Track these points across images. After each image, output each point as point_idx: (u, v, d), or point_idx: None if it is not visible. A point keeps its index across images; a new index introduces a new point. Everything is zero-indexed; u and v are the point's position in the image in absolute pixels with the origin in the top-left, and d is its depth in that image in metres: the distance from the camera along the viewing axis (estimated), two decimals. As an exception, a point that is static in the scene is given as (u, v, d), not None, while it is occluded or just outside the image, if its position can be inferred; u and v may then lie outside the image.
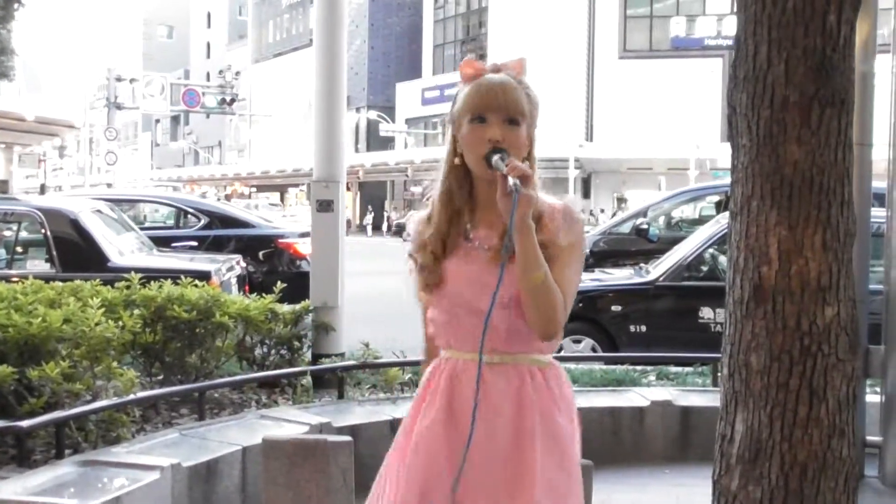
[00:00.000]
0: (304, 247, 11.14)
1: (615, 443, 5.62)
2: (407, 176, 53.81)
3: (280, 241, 11.38)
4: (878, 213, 5.19)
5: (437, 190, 2.37)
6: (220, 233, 11.33)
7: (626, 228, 12.30)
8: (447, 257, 2.31)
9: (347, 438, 3.46)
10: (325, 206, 6.20)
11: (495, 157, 2.18)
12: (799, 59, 3.30)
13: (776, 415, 3.37)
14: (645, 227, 11.68)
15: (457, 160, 2.32)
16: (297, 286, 6.96)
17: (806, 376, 3.35)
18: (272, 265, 11.19)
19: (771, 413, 3.38)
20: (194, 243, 10.97)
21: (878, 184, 5.15)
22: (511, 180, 2.10)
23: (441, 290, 2.31)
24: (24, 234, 9.07)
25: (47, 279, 6.14)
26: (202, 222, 11.70)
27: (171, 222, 13.21)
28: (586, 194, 47.76)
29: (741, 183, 3.48)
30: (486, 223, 2.30)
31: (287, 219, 34.76)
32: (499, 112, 2.24)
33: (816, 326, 3.34)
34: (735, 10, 3.53)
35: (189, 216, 12.07)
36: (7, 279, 6.08)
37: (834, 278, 3.36)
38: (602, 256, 11.52)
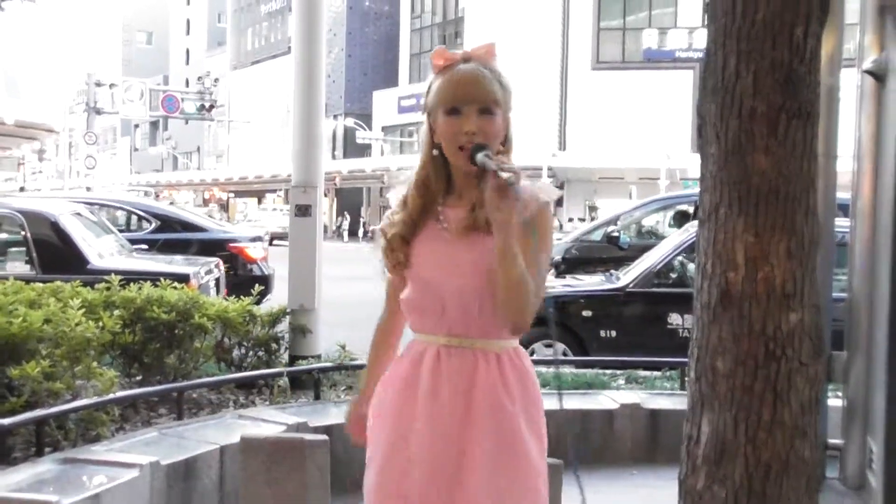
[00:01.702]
0: (254, 250, 11.23)
1: (584, 444, 5.60)
2: (383, 183, 53.67)
3: (231, 245, 11.43)
4: (842, 224, 5.25)
5: (414, 177, 2.36)
6: (171, 236, 11.33)
7: (597, 236, 12.36)
8: (417, 239, 2.31)
9: (324, 437, 3.47)
10: (303, 210, 6.21)
11: (479, 155, 2.16)
12: (767, 71, 3.34)
13: (741, 417, 3.40)
14: (616, 234, 11.76)
15: (435, 151, 2.31)
16: (248, 289, 6.94)
17: (770, 380, 3.38)
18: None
19: (736, 415, 3.41)
20: (144, 246, 10.85)
21: (843, 195, 5.21)
22: (504, 175, 2.06)
23: (411, 272, 2.31)
24: (3, 236, 9.02)
25: (27, 280, 6.12)
26: (153, 225, 11.68)
27: (121, 224, 13.01)
28: (559, 202, 47.87)
29: (710, 191, 3.51)
30: (456, 206, 2.29)
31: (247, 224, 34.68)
32: (472, 103, 2.23)
33: (781, 331, 3.38)
34: (706, 22, 3.56)
35: (141, 220, 12.02)
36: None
37: (798, 285, 3.40)
38: (574, 263, 11.57)
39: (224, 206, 65.37)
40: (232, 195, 69.53)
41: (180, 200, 61.65)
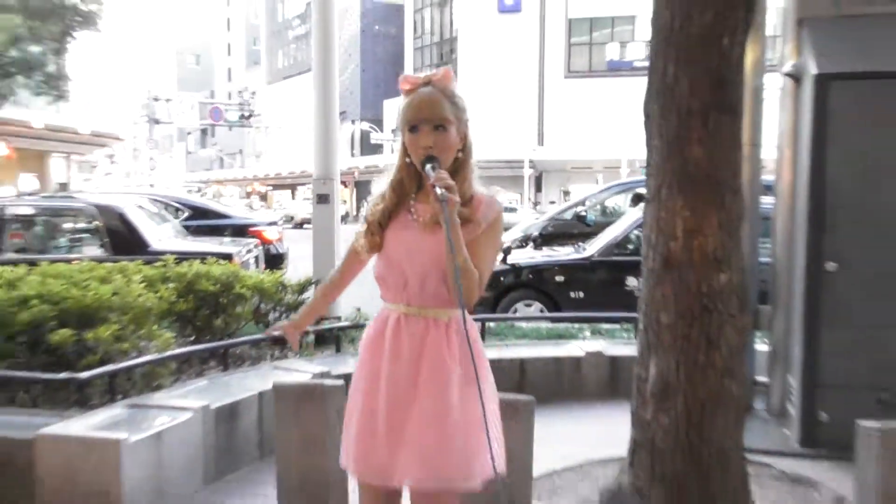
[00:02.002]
0: (269, 233, 11.31)
1: (557, 385, 5.64)
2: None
3: (251, 228, 11.39)
4: (767, 201, 5.25)
5: (391, 178, 2.39)
6: (202, 222, 11.25)
7: (568, 215, 12.32)
8: (391, 226, 2.34)
9: (340, 383, 3.48)
10: (323, 199, 6.22)
11: (427, 167, 2.21)
12: (700, 75, 3.34)
13: (681, 360, 3.42)
14: (583, 214, 11.74)
15: (407, 159, 2.33)
16: (266, 264, 6.90)
17: (704, 330, 3.40)
18: None
19: (677, 359, 3.43)
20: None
21: (768, 177, 5.22)
22: (439, 190, 2.12)
23: (383, 252, 2.35)
24: (81, 225, 9.01)
25: (100, 261, 6.13)
26: (187, 214, 11.63)
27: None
28: (538, 188, 47.82)
29: (654, 176, 3.52)
30: (425, 202, 2.29)
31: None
32: (428, 122, 2.25)
33: (713, 290, 3.40)
34: (652, 35, 3.55)
35: (177, 210, 11.94)
36: (68, 261, 6.04)
37: (727, 251, 3.42)
38: (549, 238, 11.53)
39: (263, 198, 65.19)
40: (270, 188, 69.29)
41: (227, 194, 61.57)
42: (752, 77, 4.93)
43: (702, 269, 3.40)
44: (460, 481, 2.24)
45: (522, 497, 3.27)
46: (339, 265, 2.59)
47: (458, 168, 2.32)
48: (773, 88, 5.06)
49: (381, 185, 2.43)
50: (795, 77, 4.69)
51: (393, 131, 55.47)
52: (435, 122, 2.25)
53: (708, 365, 3.42)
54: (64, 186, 39.58)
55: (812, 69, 4.30)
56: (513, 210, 37.93)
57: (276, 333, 2.66)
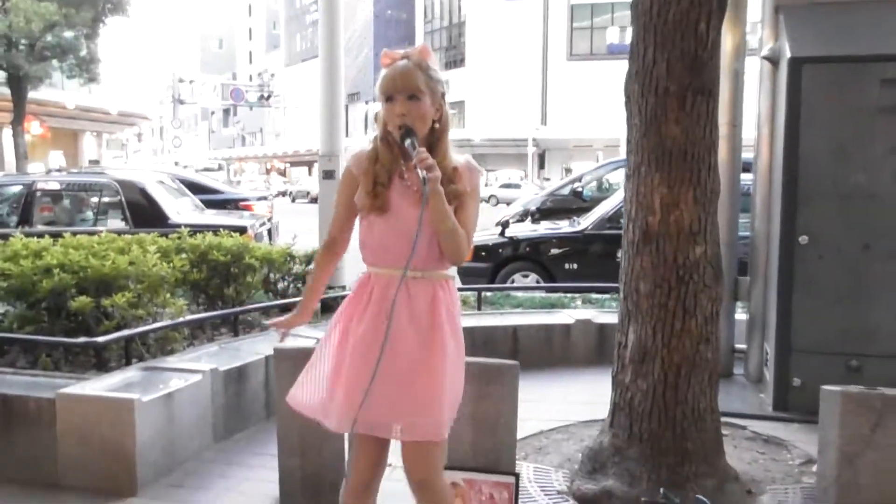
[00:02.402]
0: (259, 207, 11.36)
1: (548, 351, 5.66)
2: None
3: (242, 202, 11.47)
4: (746, 178, 5.23)
5: (378, 139, 2.36)
6: (198, 197, 11.21)
7: (566, 191, 12.30)
8: (390, 191, 2.31)
9: (338, 347, 3.49)
10: (328, 174, 6.21)
11: (407, 143, 2.22)
12: (677, 58, 3.33)
13: (658, 327, 3.44)
14: (580, 189, 11.70)
15: (389, 126, 2.32)
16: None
17: (680, 298, 3.41)
18: None
19: (654, 326, 3.45)
20: None
21: (747, 155, 5.19)
22: (421, 172, 2.14)
23: (380, 216, 2.31)
24: (105, 199, 9.06)
25: (123, 233, 6.17)
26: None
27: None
28: (542, 166, 47.65)
29: (633, 153, 3.52)
30: (414, 171, 2.28)
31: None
32: (401, 92, 2.25)
33: (689, 261, 3.40)
34: (630, 21, 3.53)
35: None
36: (92, 234, 6.08)
37: (702, 225, 3.41)
38: (548, 213, 11.53)
39: (282, 174, 65.13)
40: (288, 165, 69.22)
41: (248, 171, 61.58)
42: (732, 60, 4.90)
43: (678, 242, 3.40)
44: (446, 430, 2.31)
45: (507, 456, 3.28)
46: (331, 233, 2.52)
47: (436, 141, 2.31)
48: (754, 72, 5.03)
49: (364, 147, 2.41)
50: (773, 61, 4.66)
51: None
52: (408, 92, 2.25)
53: (684, 332, 3.43)
54: (95, 163, 39.73)
55: (787, 53, 4.27)
56: (517, 186, 37.91)
57: (280, 332, 2.67)
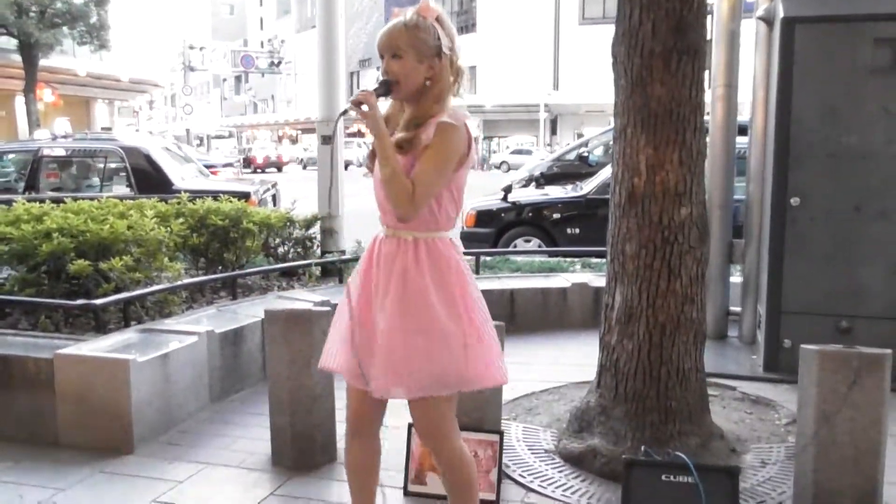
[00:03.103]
0: (224, 173, 11.52)
1: (544, 314, 5.70)
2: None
3: (210, 168, 11.65)
4: (742, 140, 5.21)
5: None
6: None
7: (572, 156, 12.25)
8: None
9: (327, 308, 3.55)
10: (326, 139, 6.21)
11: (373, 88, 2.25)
12: (662, 19, 3.31)
13: (644, 288, 3.46)
14: (586, 154, 11.66)
15: None
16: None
17: (666, 260, 3.43)
18: None
19: (640, 287, 3.47)
20: None
21: (742, 117, 5.17)
22: (346, 104, 2.22)
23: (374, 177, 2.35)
24: (111, 165, 9.12)
25: (127, 199, 6.23)
26: None
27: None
28: (554, 132, 47.32)
29: (620, 115, 3.51)
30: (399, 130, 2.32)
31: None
32: (386, 51, 2.27)
33: (674, 222, 3.41)
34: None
35: None
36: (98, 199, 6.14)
37: (688, 186, 3.42)
38: (554, 178, 11.50)
39: (294, 141, 65.05)
40: (300, 132, 69.05)
41: (261, 138, 61.51)
42: (728, 22, 4.88)
43: (664, 203, 3.41)
44: (427, 388, 2.28)
45: (493, 415, 3.34)
46: None
47: (422, 94, 2.30)
48: (753, 33, 4.99)
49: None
50: (768, 21, 4.63)
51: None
52: (392, 50, 2.27)
53: (669, 292, 3.45)
54: (108, 130, 39.84)
55: (780, 13, 4.23)
56: (528, 153, 37.71)
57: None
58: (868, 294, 4.33)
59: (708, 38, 4.94)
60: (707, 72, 5.02)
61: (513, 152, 39.09)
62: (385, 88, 2.26)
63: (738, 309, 5.25)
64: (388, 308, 2.26)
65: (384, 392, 2.28)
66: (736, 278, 5.40)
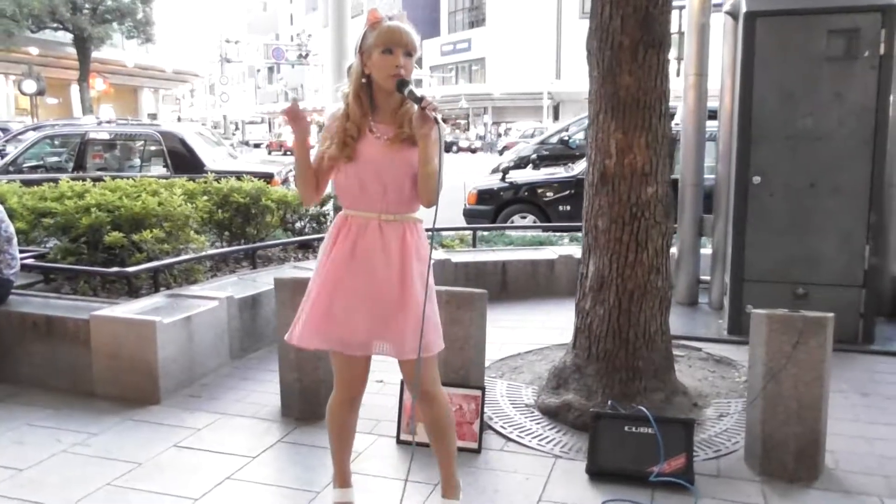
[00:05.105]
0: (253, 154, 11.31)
1: (534, 283, 5.71)
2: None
3: None
4: (712, 124, 5.17)
5: (350, 97, 2.34)
6: None
7: (554, 140, 12.13)
8: (360, 144, 2.29)
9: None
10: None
11: (407, 89, 2.21)
12: (630, 14, 3.29)
13: (614, 259, 3.47)
14: (566, 138, 11.56)
15: (363, 80, 2.30)
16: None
17: (634, 233, 3.43)
18: None
19: (610, 258, 3.48)
20: None
21: (713, 104, 5.13)
22: (431, 113, 2.14)
23: (352, 166, 2.29)
24: (150, 148, 9.15)
25: (164, 178, 6.28)
26: None
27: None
28: (556, 118, 46.98)
29: (593, 103, 3.51)
30: (384, 123, 2.31)
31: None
32: (402, 47, 2.25)
33: (641, 200, 3.41)
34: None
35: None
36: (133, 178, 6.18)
37: (654, 167, 3.41)
38: (549, 159, 11.39)
39: (321, 127, 64.82)
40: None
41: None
42: (699, 15, 4.83)
43: (632, 182, 3.41)
44: (434, 348, 2.36)
45: (476, 373, 3.36)
46: (315, 167, 2.44)
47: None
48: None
49: (335, 106, 2.42)
50: (734, 15, 4.58)
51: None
52: (408, 48, 2.27)
53: (636, 263, 3.46)
54: (153, 117, 40.00)
55: (743, 8, 4.19)
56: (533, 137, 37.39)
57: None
58: (822, 263, 4.32)
59: (681, 30, 4.92)
60: (678, 61, 5.00)
61: (521, 137, 38.70)
62: (408, 85, 2.25)
63: (707, 278, 5.24)
64: (409, 281, 2.29)
65: (411, 352, 2.28)
66: (707, 250, 5.38)
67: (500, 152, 35.25)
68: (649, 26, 3.28)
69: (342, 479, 2.62)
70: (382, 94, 2.32)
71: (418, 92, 2.23)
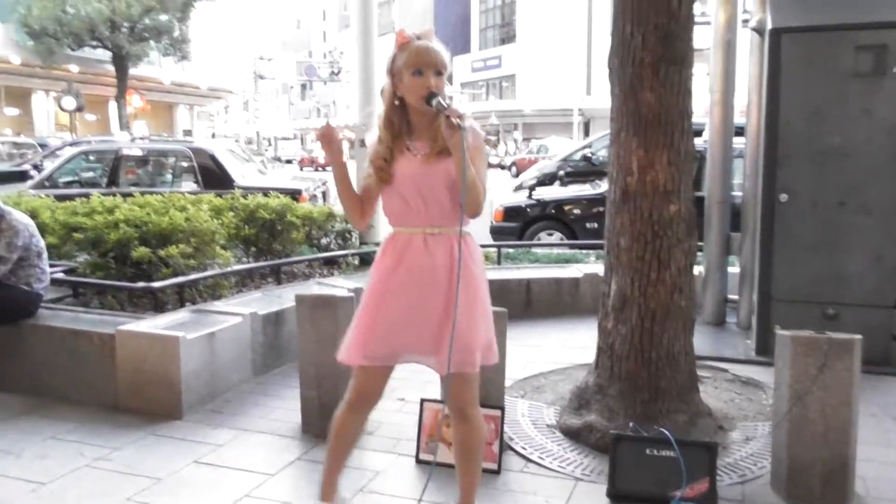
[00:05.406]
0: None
1: (558, 301, 5.65)
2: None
3: None
4: (739, 141, 5.11)
5: (381, 122, 2.37)
6: None
7: (577, 157, 12.07)
8: (397, 162, 2.32)
9: (351, 294, 3.58)
10: (361, 143, 6.23)
11: (435, 100, 2.21)
12: (651, 32, 3.27)
13: (636, 278, 3.42)
14: (589, 155, 11.49)
15: (396, 101, 2.33)
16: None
17: (656, 252, 3.39)
18: None
19: (632, 277, 3.43)
20: None
21: (740, 120, 5.07)
22: (455, 120, 2.14)
23: (393, 185, 2.32)
24: (181, 164, 9.28)
25: (194, 193, 6.35)
26: None
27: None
28: (587, 133, 46.83)
29: (615, 120, 3.49)
30: (420, 139, 2.32)
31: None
32: (431, 67, 2.26)
33: (663, 217, 3.37)
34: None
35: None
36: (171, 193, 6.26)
37: (676, 184, 3.37)
38: (577, 175, 11.31)
39: (352, 143, 65.43)
40: (358, 135, 69.36)
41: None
42: (725, 32, 4.79)
43: (654, 200, 3.37)
44: (486, 360, 2.37)
45: (496, 392, 3.33)
46: (359, 191, 2.49)
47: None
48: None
49: (373, 133, 2.43)
50: (759, 31, 4.52)
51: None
52: (438, 68, 2.28)
53: (659, 282, 3.41)
54: (188, 133, 40.75)
55: (769, 24, 4.13)
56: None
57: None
58: (852, 283, 4.22)
59: (707, 47, 4.89)
60: (707, 77, 4.95)
61: (528, 153, 37.79)
62: (437, 97, 2.25)
63: (736, 297, 5.16)
64: (463, 296, 2.25)
65: (458, 366, 2.25)
66: (735, 269, 5.29)
67: (508, 168, 35.19)
68: (671, 43, 3.25)
69: (328, 492, 2.55)
70: (417, 114, 2.34)
71: (445, 102, 2.23)
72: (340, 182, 2.40)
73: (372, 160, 2.38)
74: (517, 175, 32.19)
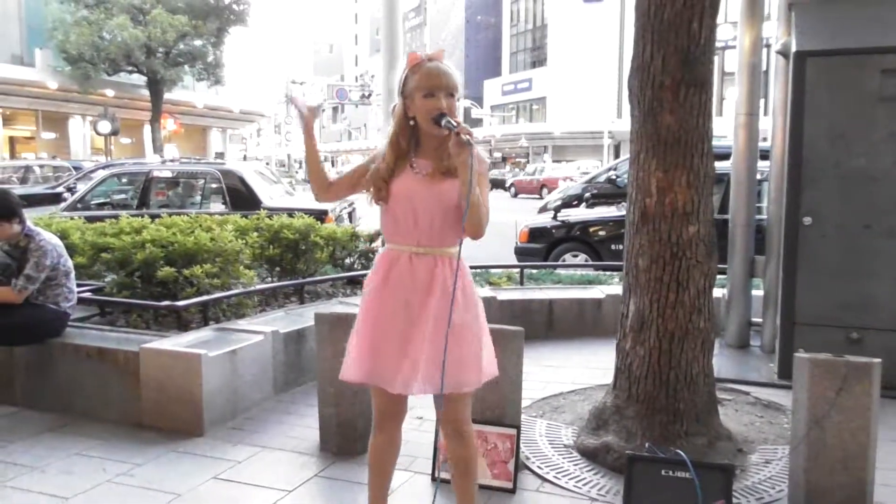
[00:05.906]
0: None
1: (580, 322, 5.65)
2: (490, 144, 53.34)
3: None
4: (763, 165, 5.10)
5: (389, 140, 2.39)
6: None
7: (602, 179, 12.06)
8: (396, 180, 2.33)
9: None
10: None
11: (444, 120, 2.23)
12: (671, 54, 3.30)
13: (654, 299, 3.43)
14: (614, 177, 11.48)
15: (410, 122, 2.35)
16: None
17: (675, 273, 3.40)
18: None
19: (651, 298, 3.44)
20: None
21: (764, 144, 5.06)
22: (465, 137, 2.17)
23: (391, 203, 2.35)
24: (210, 186, 9.43)
25: (222, 215, 6.47)
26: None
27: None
28: (616, 156, 46.71)
29: (634, 142, 3.51)
30: (424, 158, 2.34)
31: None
32: (442, 90, 2.29)
33: (682, 239, 3.38)
34: (634, 21, 3.52)
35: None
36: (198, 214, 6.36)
37: (695, 206, 3.38)
38: (603, 198, 11.28)
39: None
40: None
41: (354, 162, 62.46)
42: (749, 55, 4.80)
43: (673, 221, 3.38)
44: (471, 384, 2.35)
45: (512, 411, 3.35)
46: (338, 177, 2.53)
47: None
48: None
49: (380, 151, 2.45)
50: (784, 54, 4.53)
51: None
52: (449, 89, 2.30)
53: (677, 303, 3.41)
54: (221, 155, 41.43)
55: (793, 47, 4.14)
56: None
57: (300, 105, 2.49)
58: (878, 307, 4.17)
59: (732, 70, 4.89)
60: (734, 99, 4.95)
61: (525, 174, 37.63)
62: (446, 117, 2.28)
63: (760, 320, 5.12)
64: (454, 317, 2.26)
65: (454, 387, 2.28)
66: (759, 292, 5.26)
67: (507, 189, 35.19)
68: (691, 66, 3.28)
69: None
70: (426, 136, 2.36)
71: (455, 121, 2.25)
72: (309, 155, 2.45)
73: (372, 178, 2.39)
74: (516, 195, 32.42)
